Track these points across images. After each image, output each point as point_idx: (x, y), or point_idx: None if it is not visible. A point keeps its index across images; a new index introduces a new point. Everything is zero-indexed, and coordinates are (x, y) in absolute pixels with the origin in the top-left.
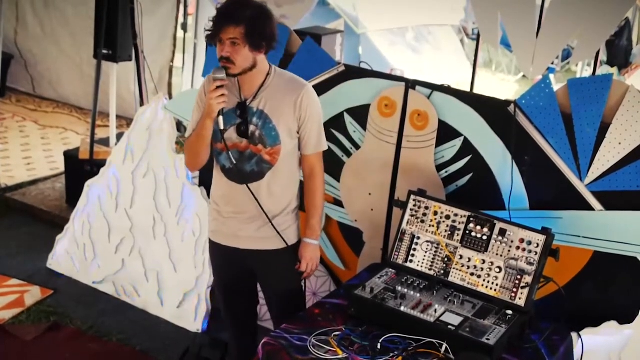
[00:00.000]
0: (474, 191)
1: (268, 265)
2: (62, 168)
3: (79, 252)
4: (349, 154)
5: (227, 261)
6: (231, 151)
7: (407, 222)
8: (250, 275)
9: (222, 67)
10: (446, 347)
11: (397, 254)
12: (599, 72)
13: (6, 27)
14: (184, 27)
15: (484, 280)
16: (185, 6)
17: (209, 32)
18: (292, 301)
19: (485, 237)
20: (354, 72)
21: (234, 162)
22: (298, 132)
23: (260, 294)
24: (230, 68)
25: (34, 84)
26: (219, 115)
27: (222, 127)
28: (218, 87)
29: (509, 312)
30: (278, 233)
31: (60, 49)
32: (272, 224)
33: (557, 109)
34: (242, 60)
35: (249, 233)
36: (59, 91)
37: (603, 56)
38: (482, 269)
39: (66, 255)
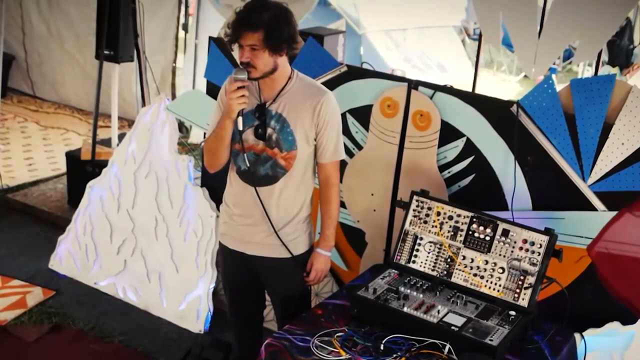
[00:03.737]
0: (477, 192)
1: (274, 273)
2: (63, 169)
3: (81, 253)
4: (351, 155)
5: (234, 265)
6: (247, 153)
7: (410, 223)
8: (257, 279)
9: (243, 68)
10: (449, 348)
11: (399, 254)
12: (600, 72)
13: (13, 27)
14: (185, 27)
15: (487, 281)
16: (186, 7)
17: (228, 37)
18: (298, 307)
19: (488, 238)
20: (356, 73)
21: (249, 164)
22: (315, 139)
23: (267, 297)
24: (251, 72)
25: (34, 88)
26: (238, 115)
27: (240, 128)
28: (239, 88)
29: (512, 312)
30: (283, 243)
31: (65, 49)
32: (277, 234)
33: (559, 109)
34: (263, 64)
35: (257, 239)
36: (60, 94)
37: (604, 56)
38: (485, 270)
39: (68, 256)
